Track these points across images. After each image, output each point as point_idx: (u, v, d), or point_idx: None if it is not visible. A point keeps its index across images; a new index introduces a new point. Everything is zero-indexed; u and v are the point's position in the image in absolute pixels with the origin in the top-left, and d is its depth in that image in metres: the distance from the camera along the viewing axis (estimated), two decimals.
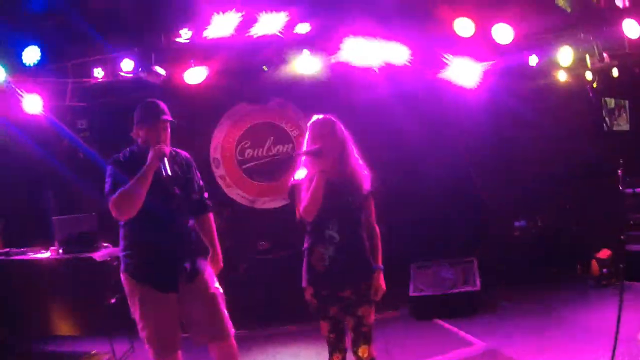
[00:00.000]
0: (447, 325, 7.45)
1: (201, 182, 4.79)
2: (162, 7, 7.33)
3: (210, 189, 5.06)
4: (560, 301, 7.91)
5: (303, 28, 7.68)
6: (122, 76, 7.75)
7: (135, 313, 4.32)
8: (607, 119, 10.42)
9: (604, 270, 8.37)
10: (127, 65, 7.62)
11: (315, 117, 4.36)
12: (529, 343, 6.42)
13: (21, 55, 7.23)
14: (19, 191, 9.09)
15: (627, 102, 10.44)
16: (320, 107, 9.26)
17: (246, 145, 9.73)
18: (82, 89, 8.20)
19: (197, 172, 4.77)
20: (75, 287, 7.16)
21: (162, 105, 4.51)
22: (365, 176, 4.31)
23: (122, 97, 8.10)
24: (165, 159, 4.28)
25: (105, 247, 7.38)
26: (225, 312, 4.53)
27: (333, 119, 4.34)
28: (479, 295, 7.81)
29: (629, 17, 7.22)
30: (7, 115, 8.11)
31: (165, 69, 7.60)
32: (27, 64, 7.34)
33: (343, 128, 4.35)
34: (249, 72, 8.44)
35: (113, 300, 6.84)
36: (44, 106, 7.80)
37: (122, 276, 4.38)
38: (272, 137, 9.72)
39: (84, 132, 9.04)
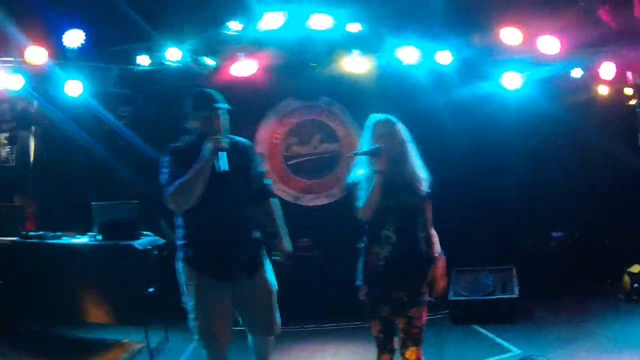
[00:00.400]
0: (484, 331, 7.42)
1: (261, 169, 4.76)
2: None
3: None
4: (592, 314, 7.89)
5: (354, 27, 7.73)
6: (168, 65, 7.75)
7: (190, 302, 4.28)
8: None
9: (635, 285, 8.35)
10: (174, 54, 7.59)
11: (375, 117, 4.35)
12: (563, 353, 6.40)
13: (63, 39, 7.21)
14: (59, 175, 9.01)
15: None
16: (368, 108, 9.45)
17: (293, 142, 9.74)
18: (126, 75, 8.19)
19: (257, 159, 4.73)
20: (113, 275, 6.78)
21: (215, 93, 4.43)
22: (423, 178, 4.27)
23: (167, 86, 8.10)
24: (223, 152, 4.21)
25: (146, 235, 7.20)
26: (277, 309, 4.54)
27: (393, 119, 4.33)
28: (516, 303, 7.78)
29: None
30: (49, 99, 8.08)
31: (214, 60, 7.58)
32: (70, 48, 7.31)
33: (404, 129, 4.34)
34: (297, 68, 8.46)
35: (151, 290, 6.71)
36: (86, 91, 7.76)
37: (179, 264, 4.34)
38: (319, 135, 9.71)
39: (126, 119, 8.93)
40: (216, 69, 7.73)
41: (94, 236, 7.09)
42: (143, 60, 7.84)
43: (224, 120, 4.37)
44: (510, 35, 7.85)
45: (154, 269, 6.91)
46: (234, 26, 7.39)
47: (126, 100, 8.91)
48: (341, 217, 8.96)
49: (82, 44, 7.33)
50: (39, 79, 7.83)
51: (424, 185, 4.25)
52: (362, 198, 4.12)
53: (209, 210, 4.17)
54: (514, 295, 7.77)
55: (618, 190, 9.52)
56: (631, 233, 8.94)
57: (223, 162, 4.21)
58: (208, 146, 4.12)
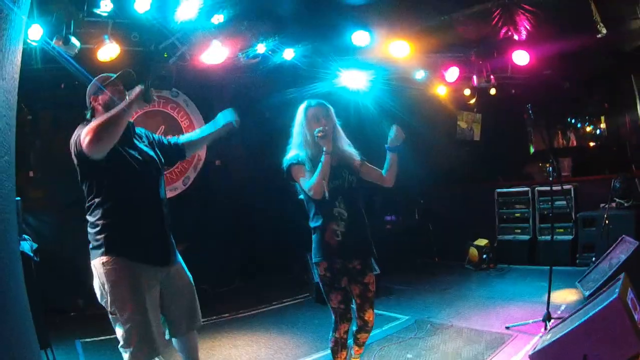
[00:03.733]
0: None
1: (164, 137, 4.58)
2: None
3: None
4: (452, 282, 8.93)
5: (217, 19, 7.58)
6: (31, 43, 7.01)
7: (119, 303, 3.77)
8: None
9: (484, 256, 9.65)
10: (36, 32, 6.66)
11: (310, 101, 4.53)
12: (451, 312, 7.15)
13: None
14: None
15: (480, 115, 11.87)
16: (214, 101, 9.36)
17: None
18: None
19: (154, 135, 4.52)
20: None
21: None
22: (355, 153, 4.57)
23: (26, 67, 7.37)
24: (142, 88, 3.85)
25: (25, 239, 6.06)
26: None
27: (327, 103, 4.56)
28: (379, 279, 8.28)
29: (520, 48, 8.33)
30: None
31: (79, 41, 6.98)
32: None
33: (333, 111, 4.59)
34: (154, 57, 8.11)
35: None
36: None
37: (100, 260, 3.80)
38: (163, 127, 9.39)
39: None
40: (80, 52, 7.11)
41: None
42: None
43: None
44: (360, 37, 8.34)
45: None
46: (105, 6, 6.89)
47: None
48: (187, 210, 8.99)
49: None
50: None
51: (356, 157, 4.54)
52: (311, 178, 4.28)
53: (132, 199, 3.90)
54: (376, 272, 8.17)
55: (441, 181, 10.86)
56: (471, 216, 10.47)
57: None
58: (136, 90, 3.81)
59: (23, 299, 3.66)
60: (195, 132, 4.73)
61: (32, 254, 5.74)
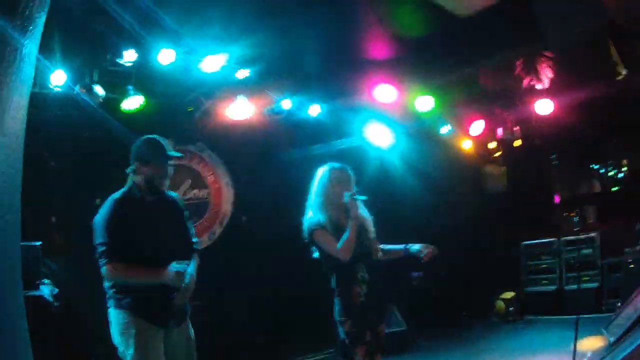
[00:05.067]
0: None
1: (191, 224, 4.66)
2: (107, 23, 6.42)
3: None
4: (479, 336, 8.89)
5: (242, 74, 7.71)
6: (51, 89, 7.04)
7: (129, 351, 3.97)
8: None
9: (510, 308, 9.51)
10: (59, 77, 6.82)
11: (331, 164, 4.73)
12: None
13: None
14: None
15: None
16: (241, 156, 9.40)
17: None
18: None
19: (187, 212, 4.62)
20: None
21: (165, 142, 4.34)
22: (371, 221, 4.78)
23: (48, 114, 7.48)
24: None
25: (46, 284, 6.21)
26: None
27: (348, 167, 4.72)
28: (407, 334, 8.33)
29: (543, 97, 8.33)
30: None
31: (104, 91, 7.08)
32: None
33: None
34: (179, 110, 8.24)
35: None
36: None
37: (113, 311, 4.05)
38: (188, 181, 9.42)
39: None
40: (105, 101, 7.20)
41: None
42: None
43: (171, 169, 4.32)
44: (384, 93, 8.39)
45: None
46: (128, 56, 7.00)
47: None
48: (211, 265, 8.92)
49: None
50: None
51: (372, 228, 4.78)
52: (340, 242, 4.46)
53: (149, 259, 4.01)
54: (403, 328, 8.33)
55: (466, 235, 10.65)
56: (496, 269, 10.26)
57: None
58: (171, 275, 3.93)
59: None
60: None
61: (51, 299, 5.81)
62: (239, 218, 9.91)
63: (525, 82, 8.06)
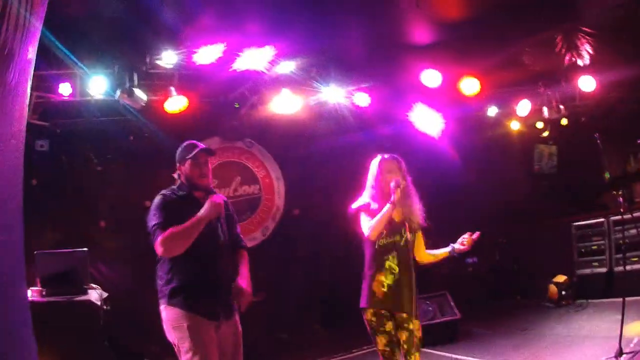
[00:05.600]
0: (437, 352, 7.62)
1: (236, 217, 4.84)
2: (144, 25, 6.59)
3: None
4: (530, 322, 8.61)
5: (284, 68, 7.75)
6: (93, 97, 7.16)
7: (184, 343, 4.12)
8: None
9: (562, 292, 9.28)
10: (99, 84, 7.00)
11: (384, 155, 4.81)
12: (527, 354, 6.94)
13: None
14: None
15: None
16: (290, 150, 9.45)
17: (213, 185, 9.42)
18: (45, 105, 7.38)
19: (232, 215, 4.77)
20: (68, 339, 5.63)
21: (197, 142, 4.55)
22: (421, 213, 4.76)
23: (91, 121, 7.64)
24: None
25: (94, 288, 6.29)
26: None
27: (399, 157, 4.76)
28: (458, 323, 8.20)
29: (585, 73, 8.17)
30: None
31: (145, 94, 7.15)
32: None
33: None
34: (224, 107, 8.31)
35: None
36: None
37: (165, 308, 4.21)
38: (239, 178, 9.51)
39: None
40: (147, 104, 7.31)
41: (40, 292, 6.00)
42: (65, 90, 7.06)
43: (206, 163, 4.49)
44: (429, 78, 8.33)
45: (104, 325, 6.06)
46: (167, 57, 7.15)
47: (44, 133, 7.79)
48: (267, 259, 9.02)
49: None
50: None
51: (422, 220, 4.77)
52: (372, 220, 4.57)
53: (199, 256, 4.19)
54: (456, 317, 8.18)
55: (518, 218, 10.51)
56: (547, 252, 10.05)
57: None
58: (208, 205, 4.22)
59: None
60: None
61: (99, 303, 6.03)
62: (291, 211, 9.97)
63: (567, 59, 7.92)
